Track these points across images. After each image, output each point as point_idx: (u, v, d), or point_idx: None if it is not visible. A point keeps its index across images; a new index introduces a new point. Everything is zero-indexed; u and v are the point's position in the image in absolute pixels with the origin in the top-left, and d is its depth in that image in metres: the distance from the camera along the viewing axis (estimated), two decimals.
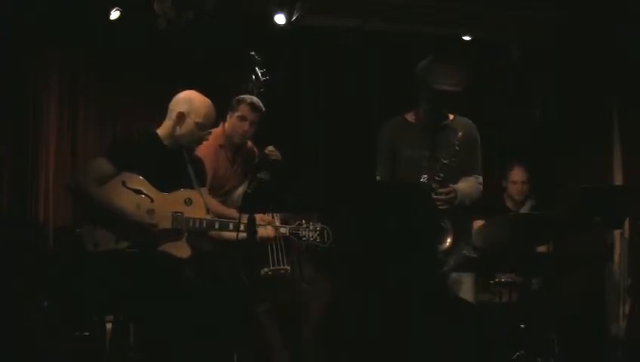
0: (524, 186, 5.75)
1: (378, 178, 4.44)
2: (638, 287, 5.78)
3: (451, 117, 4.39)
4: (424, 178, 4.20)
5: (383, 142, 4.45)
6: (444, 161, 4.18)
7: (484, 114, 5.91)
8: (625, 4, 5.54)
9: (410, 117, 4.42)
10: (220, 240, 4.30)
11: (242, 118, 4.68)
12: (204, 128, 4.21)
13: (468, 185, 4.33)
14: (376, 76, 6.35)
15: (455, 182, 4.28)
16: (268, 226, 4.21)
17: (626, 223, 5.62)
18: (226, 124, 4.74)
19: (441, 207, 4.15)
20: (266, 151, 4.59)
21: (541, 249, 5.28)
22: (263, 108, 4.64)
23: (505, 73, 6.43)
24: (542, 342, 4.82)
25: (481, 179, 4.42)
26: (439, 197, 4.15)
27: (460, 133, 4.21)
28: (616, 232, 5.84)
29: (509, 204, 5.78)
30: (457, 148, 4.19)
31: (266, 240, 4.27)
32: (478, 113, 4.69)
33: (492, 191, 5.61)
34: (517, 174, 5.75)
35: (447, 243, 4.15)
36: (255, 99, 4.65)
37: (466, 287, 4.33)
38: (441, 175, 4.17)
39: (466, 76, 4.26)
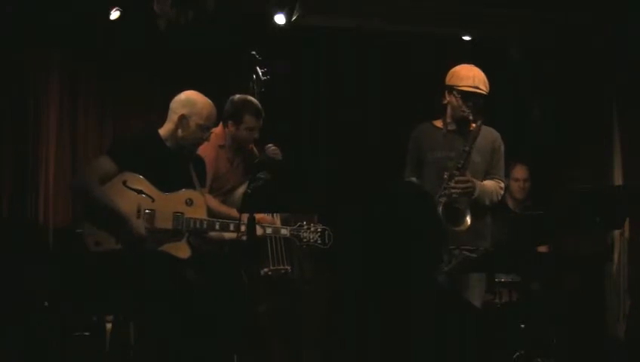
0: (525, 184, 5.75)
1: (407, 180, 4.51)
2: (638, 287, 5.78)
3: (476, 124, 4.46)
4: (446, 175, 4.30)
5: (411, 146, 4.58)
6: (465, 148, 4.30)
7: (484, 114, 5.89)
8: (625, 4, 5.54)
9: (438, 123, 4.56)
10: (221, 241, 4.31)
11: (250, 129, 4.63)
12: (205, 129, 4.21)
13: (489, 184, 4.43)
14: (376, 76, 6.35)
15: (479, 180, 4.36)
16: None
17: (626, 223, 5.61)
18: (229, 130, 4.67)
19: (459, 197, 4.26)
20: (267, 149, 4.58)
21: (541, 249, 5.28)
22: (262, 110, 4.64)
23: (505, 73, 6.42)
24: (542, 342, 4.82)
25: (503, 184, 4.53)
26: (457, 185, 4.23)
27: (479, 122, 4.35)
28: (616, 232, 5.84)
29: (509, 203, 5.77)
30: (476, 135, 4.33)
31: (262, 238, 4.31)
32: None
33: None
34: (519, 172, 5.75)
35: (467, 224, 4.21)
36: (256, 103, 4.63)
37: (477, 289, 4.35)
38: (462, 162, 4.27)
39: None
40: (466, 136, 4.38)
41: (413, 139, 4.60)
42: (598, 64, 5.93)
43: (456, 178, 4.27)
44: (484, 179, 4.45)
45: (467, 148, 4.31)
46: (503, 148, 4.55)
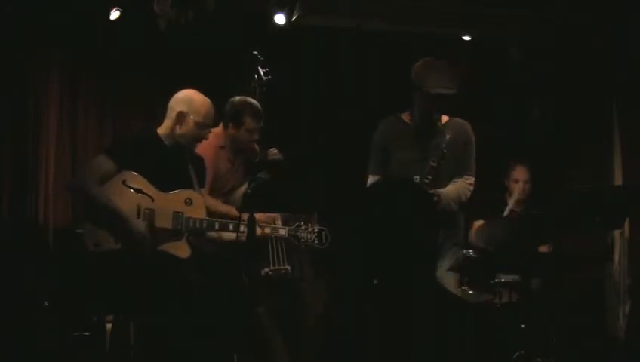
0: (526, 185, 5.73)
1: (370, 176, 4.44)
2: (638, 287, 5.78)
3: (446, 118, 4.40)
4: (416, 179, 4.21)
5: (377, 141, 4.47)
6: (433, 164, 4.19)
7: (484, 114, 5.91)
8: (625, 4, 5.54)
9: (405, 117, 4.44)
10: (221, 240, 4.31)
11: (250, 131, 4.65)
12: (204, 127, 4.22)
13: (455, 189, 4.35)
14: (376, 76, 6.35)
15: (445, 184, 4.29)
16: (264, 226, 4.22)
17: (626, 223, 5.61)
18: (229, 132, 4.69)
19: None
20: (268, 153, 4.59)
21: (541, 249, 5.27)
22: (262, 112, 4.64)
23: (505, 73, 6.43)
24: (542, 342, 4.81)
25: (472, 180, 4.45)
26: None
27: (448, 136, 4.22)
28: (616, 232, 5.84)
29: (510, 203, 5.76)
30: (445, 151, 4.20)
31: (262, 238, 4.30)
32: (477, 113, 4.70)
33: (493, 190, 5.61)
34: (519, 173, 5.73)
35: None
36: (256, 105, 4.63)
37: (448, 285, 4.34)
38: (430, 177, 4.17)
39: (460, 78, 4.28)
40: (433, 139, 4.27)
41: (378, 134, 4.46)
42: (598, 64, 5.92)
43: None
44: (453, 178, 4.36)
45: (435, 164, 4.18)
46: (474, 140, 4.43)
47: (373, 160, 4.47)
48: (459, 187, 4.37)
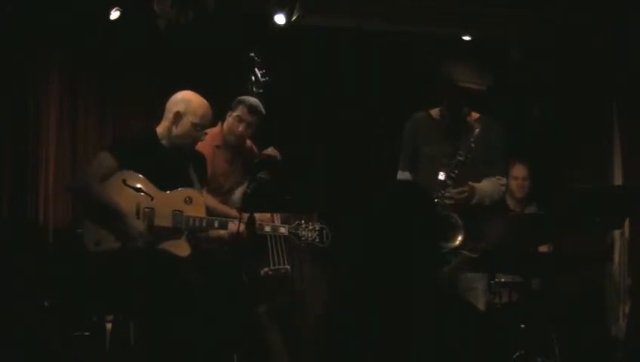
0: (525, 183, 5.73)
1: (399, 172, 4.43)
2: (638, 287, 5.78)
3: (477, 115, 4.37)
4: (442, 175, 4.19)
5: (406, 137, 4.44)
6: (460, 158, 4.15)
7: (484, 114, 5.91)
8: (625, 4, 5.54)
9: (434, 113, 4.40)
10: (220, 240, 4.31)
11: (239, 119, 4.67)
12: (200, 129, 4.21)
13: (488, 185, 4.30)
14: (376, 76, 6.35)
15: (477, 180, 4.27)
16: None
17: (626, 223, 5.61)
18: (224, 124, 4.74)
19: (456, 205, 4.14)
20: (266, 153, 4.59)
21: (541, 249, 5.27)
22: (263, 111, 4.64)
23: (505, 73, 6.43)
24: (542, 342, 4.81)
25: (504, 180, 4.40)
26: (453, 195, 4.13)
27: (477, 131, 4.20)
28: (616, 232, 5.84)
29: (509, 202, 5.76)
30: (472, 145, 4.16)
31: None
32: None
33: None
34: (518, 170, 5.73)
35: (458, 241, 4.13)
36: (255, 101, 4.65)
37: (479, 291, 4.33)
38: (456, 171, 4.14)
39: (490, 75, 4.27)
40: (462, 135, 4.22)
41: (407, 130, 4.44)
42: (598, 64, 5.92)
43: (451, 190, 4.12)
44: (484, 177, 4.33)
45: (462, 158, 4.14)
46: (501, 139, 4.39)
47: (403, 156, 4.43)
48: (493, 184, 4.32)
